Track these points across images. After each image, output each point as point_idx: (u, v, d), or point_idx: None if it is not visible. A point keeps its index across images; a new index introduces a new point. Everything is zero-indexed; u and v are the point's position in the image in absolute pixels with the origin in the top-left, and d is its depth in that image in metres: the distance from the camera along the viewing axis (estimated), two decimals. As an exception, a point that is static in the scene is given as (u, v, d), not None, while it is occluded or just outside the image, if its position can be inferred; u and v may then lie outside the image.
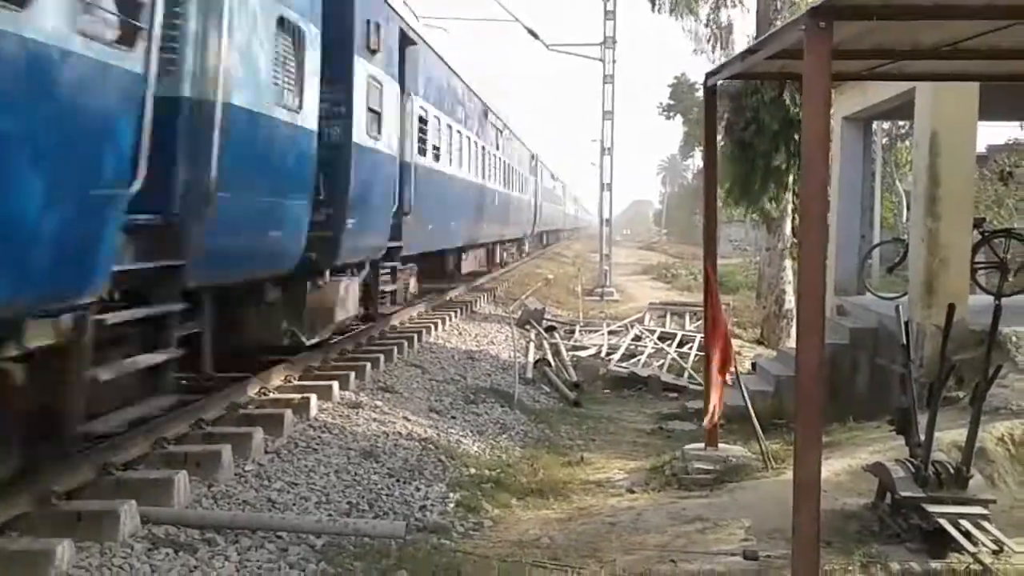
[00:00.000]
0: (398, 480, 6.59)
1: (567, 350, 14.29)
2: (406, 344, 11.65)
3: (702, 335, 10.73)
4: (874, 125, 15.35)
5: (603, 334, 16.20)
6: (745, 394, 7.98)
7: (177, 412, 6.53)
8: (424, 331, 13.08)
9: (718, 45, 19.42)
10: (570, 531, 5.84)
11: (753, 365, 11.58)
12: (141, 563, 4.44)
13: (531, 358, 13.06)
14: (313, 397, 7.85)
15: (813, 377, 4.14)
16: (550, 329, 16.43)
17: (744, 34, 19.20)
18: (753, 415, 7.76)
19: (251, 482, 5.93)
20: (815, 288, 4.22)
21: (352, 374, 9.12)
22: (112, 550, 4.49)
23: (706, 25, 19.34)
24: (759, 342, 16.40)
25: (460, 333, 14.61)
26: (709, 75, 7.40)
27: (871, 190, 15.73)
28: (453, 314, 15.79)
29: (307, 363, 9.23)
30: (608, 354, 14.31)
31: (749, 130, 15.03)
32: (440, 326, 14.23)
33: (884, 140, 26.95)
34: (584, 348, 14.96)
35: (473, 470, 7.25)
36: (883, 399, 8.55)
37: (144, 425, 5.97)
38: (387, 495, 6.23)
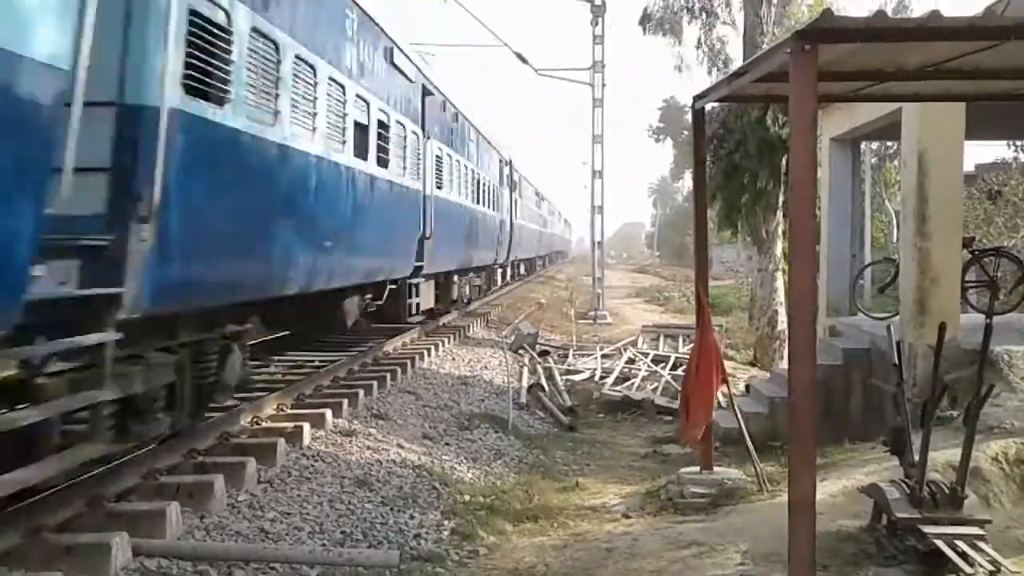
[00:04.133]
0: (392, 508, 6.55)
1: (561, 374, 14.27)
2: (399, 370, 11.62)
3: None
4: (862, 145, 15.46)
5: (597, 358, 16.18)
6: (739, 416, 7.96)
7: (169, 442, 6.50)
8: (417, 357, 13.05)
9: (712, 67, 19.58)
10: (566, 558, 5.79)
11: (747, 387, 11.57)
12: (132, 597, 4.40)
13: (525, 383, 13.03)
14: (306, 425, 7.80)
15: (806, 398, 4.14)
16: (543, 353, 16.42)
17: (734, 60, 19.39)
18: (747, 437, 7.74)
19: (244, 512, 5.88)
20: (807, 309, 4.23)
21: (345, 401, 9.09)
22: (103, 584, 4.45)
23: (697, 47, 19.52)
24: (752, 363, 16.40)
25: (453, 358, 14.58)
26: (696, 98, 7.45)
27: (861, 210, 15.81)
28: (446, 340, 15.76)
29: (299, 391, 9.20)
30: (602, 378, 14.30)
31: (737, 152, 15.15)
32: (433, 352, 14.20)
33: (872, 160, 27.13)
34: (578, 372, 14.94)
35: (468, 497, 7.20)
36: (877, 419, 8.52)
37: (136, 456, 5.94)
38: (381, 524, 6.18)
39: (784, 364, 12.70)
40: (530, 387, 12.81)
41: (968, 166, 15.12)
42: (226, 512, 5.82)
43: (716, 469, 7.39)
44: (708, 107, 8.92)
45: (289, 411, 8.49)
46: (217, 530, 5.50)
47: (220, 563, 4.92)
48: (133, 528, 4.97)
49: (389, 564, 5.19)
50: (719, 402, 8.72)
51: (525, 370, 14.18)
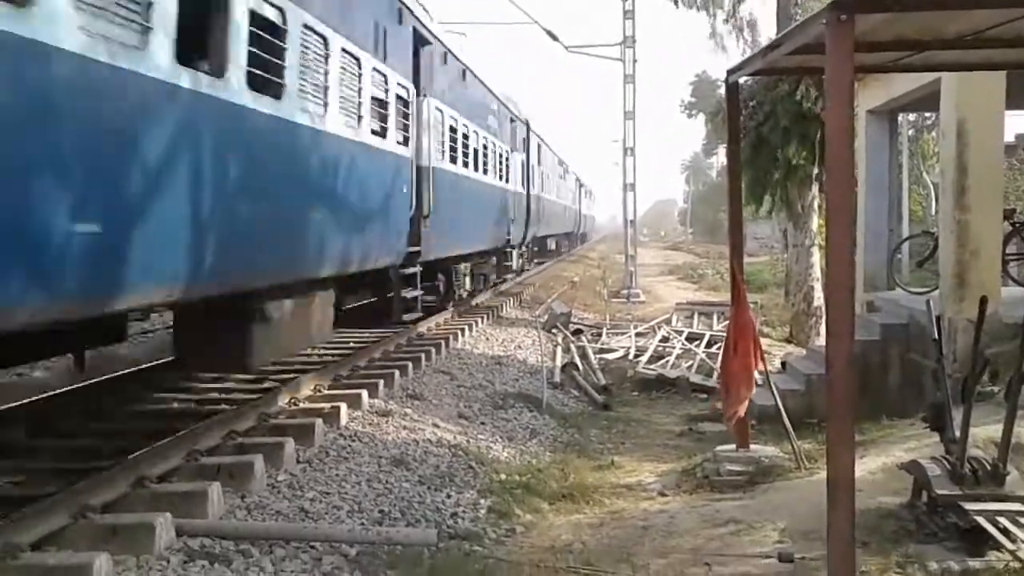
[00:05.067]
0: (429, 487, 6.60)
1: (594, 353, 14.27)
2: (433, 351, 11.67)
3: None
4: (899, 117, 15.20)
5: (630, 336, 16.15)
6: (776, 393, 7.92)
7: (209, 423, 6.59)
8: (451, 337, 13.11)
9: (740, 40, 19.28)
10: (602, 536, 5.81)
11: (783, 364, 11.48)
12: (177, 575, 4.47)
13: (558, 362, 13.04)
14: (343, 406, 7.87)
15: (844, 374, 4.10)
16: (577, 332, 16.41)
17: (767, 36, 19.10)
18: (784, 414, 7.70)
19: (284, 492, 5.96)
20: (844, 284, 4.18)
21: (381, 382, 9.15)
22: (148, 563, 4.52)
23: (726, 21, 19.21)
24: (788, 340, 16.28)
25: (487, 338, 14.62)
26: (730, 72, 7.36)
27: (898, 183, 15.60)
28: (480, 320, 15.80)
29: (336, 372, 9.28)
30: (636, 356, 14.28)
31: (766, 126, 14.96)
32: (467, 332, 14.24)
33: (910, 132, 26.66)
34: (611, 351, 14.93)
35: (503, 476, 7.24)
36: (916, 395, 8.45)
37: (178, 437, 6.04)
38: (418, 503, 6.23)
39: (821, 340, 12.58)
40: (564, 366, 12.82)
41: (1008, 136, 14.79)
42: (266, 492, 5.90)
43: (752, 447, 7.37)
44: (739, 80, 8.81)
45: (326, 392, 8.57)
46: (258, 509, 5.58)
47: (261, 542, 4.99)
48: (176, 508, 5.05)
49: (427, 542, 5.24)
50: (756, 380, 8.66)
51: (559, 349, 14.19)
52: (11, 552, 4.24)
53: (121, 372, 9.03)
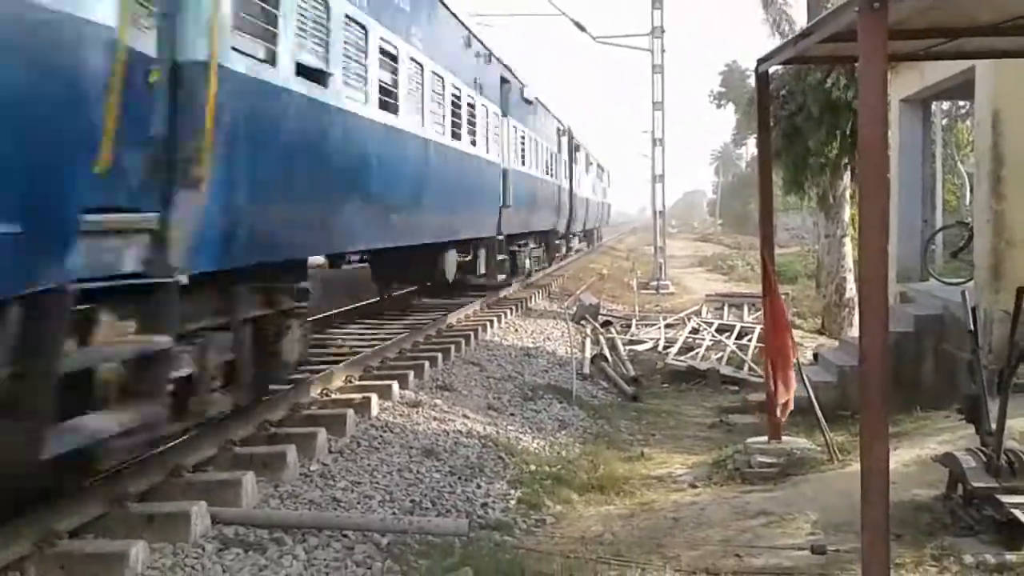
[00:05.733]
0: (459, 478, 6.63)
1: (624, 344, 14.24)
2: (463, 342, 11.71)
3: (761, 326, 10.60)
4: (933, 106, 14.99)
5: (660, 327, 16.10)
6: (808, 385, 7.86)
7: (243, 413, 6.67)
8: (480, 328, 13.14)
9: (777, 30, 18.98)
10: (633, 527, 5.81)
11: (815, 356, 11.40)
12: (212, 563, 4.53)
13: (588, 353, 13.03)
14: (374, 397, 7.93)
15: (878, 365, 4.06)
16: (606, 324, 16.39)
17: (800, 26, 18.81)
18: (816, 406, 7.64)
19: (316, 481, 6.02)
20: (878, 274, 4.14)
21: (411, 373, 9.21)
22: (184, 551, 4.59)
23: (765, 8, 18.93)
24: (820, 332, 16.14)
25: (516, 330, 14.64)
26: (760, 61, 7.29)
27: (932, 173, 15.38)
28: (508, 311, 15.82)
29: (367, 363, 9.35)
30: (665, 347, 14.23)
31: (799, 116, 14.80)
32: (496, 323, 14.27)
33: (943, 121, 26.29)
34: (641, 342, 14.89)
35: (533, 467, 7.26)
36: (950, 387, 8.35)
37: (212, 427, 6.12)
38: (449, 493, 6.27)
39: (853, 332, 12.47)
40: (593, 357, 12.81)
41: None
42: (299, 481, 5.96)
43: (784, 438, 7.32)
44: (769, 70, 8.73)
45: (357, 383, 8.63)
46: (291, 499, 5.64)
47: (294, 530, 5.04)
48: (211, 497, 5.12)
49: (458, 532, 5.27)
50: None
51: (588, 341, 14.18)
52: (49, 539, 4.32)
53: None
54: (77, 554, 4.34)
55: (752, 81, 11.07)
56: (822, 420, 7.49)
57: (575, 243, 34.18)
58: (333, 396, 8.05)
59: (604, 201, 46.17)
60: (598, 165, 41.96)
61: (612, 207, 58.43)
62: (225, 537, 4.84)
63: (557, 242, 27.09)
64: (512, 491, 6.52)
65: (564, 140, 26.67)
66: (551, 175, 24.23)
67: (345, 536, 5.08)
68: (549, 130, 23.92)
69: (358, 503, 5.79)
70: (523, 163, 19.17)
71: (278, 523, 5.10)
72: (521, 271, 20.40)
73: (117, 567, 4.25)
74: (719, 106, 56.84)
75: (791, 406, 7.18)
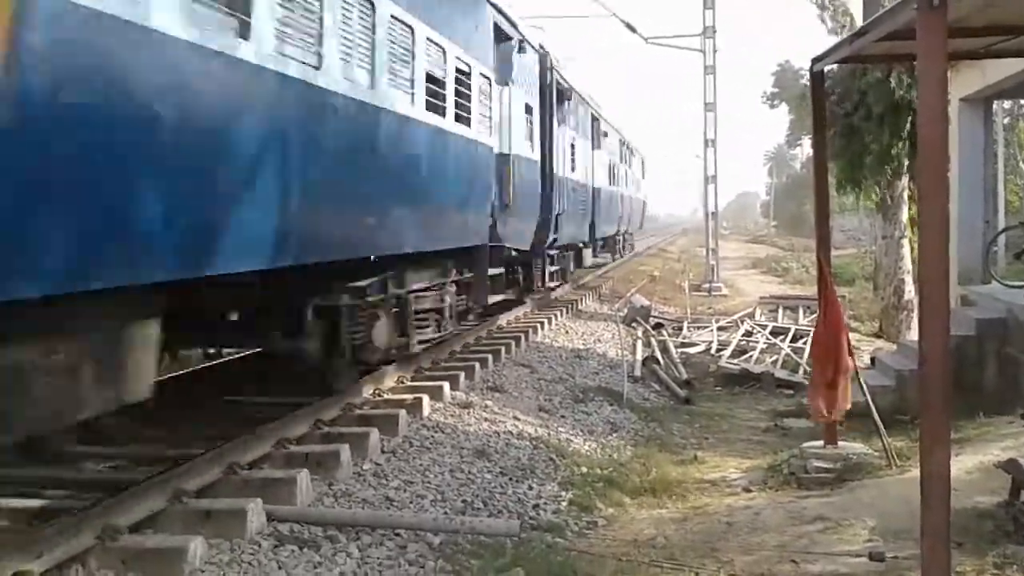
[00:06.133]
0: (511, 479, 6.63)
1: (675, 347, 14.13)
2: (513, 344, 11.73)
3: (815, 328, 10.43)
4: (994, 105, 14.61)
5: (712, 330, 15.94)
6: (865, 389, 7.71)
7: (297, 413, 6.76)
8: (530, 330, 13.14)
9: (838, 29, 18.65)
10: (686, 530, 5.76)
11: (872, 360, 11.17)
12: (268, 559, 4.60)
13: (639, 356, 12.95)
14: (425, 397, 7.98)
15: (939, 367, 3.97)
16: (657, 326, 16.27)
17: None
18: (874, 411, 7.50)
19: (369, 480, 6.07)
20: (938, 275, 4.05)
21: (462, 374, 9.25)
22: (240, 547, 4.67)
23: (821, 8, 18.62)
24: (877, 335, 15.83)
25: (566, 332, 14.61)
26: (815, 60, 7.19)
27: (994, 173, 14.99)
28: (558, 313, 15.81)
29: (418, 364, 9.40)
30: (718, 350, 14.08)
31: (856, 115, 14.53)
32: (546, 325, 14.27)
33: (1005, 120, 25.62)
34: (693, 345, 14.75)
35: (585, 469, 7.23)
36: (1014, 392, 8.15)
37: (267, 426, 6.22)
38: (500, 494, 6.28)
39: (912, 335, 12.22)
40: (644, 360, 12.73)
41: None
42: (352, 480, 6.02)
43: (840, 443, 7.20)
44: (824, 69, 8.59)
45: (409, 383, 8.70)
46: (344, 497, 5.70)
47: (348, 528, 5.10)
48: (266, 495, 5.20)
49: (510, 533, 5.28)
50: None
51: (639, 343, 14.09)
52: (111, 534, 4.43)
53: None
54: (137, 548, 4.44)
55: (805, 81, 10.92)
56: (880, 425, 7.35)
57: (583, 259, 21.57)
58: (385, 396, 8.12)
59: (636, 196, 31.82)
60: (625, 144, 28.87)
61: (648, 205, 42.34)
62: (280, 534, 4.91)
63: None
64: (563, 493, 6.51)
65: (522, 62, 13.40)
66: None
67: (398, 535, 5.12)
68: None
69: (410, 502, 5.83)
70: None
71: (332, 521, 5.16)
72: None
73: (176, 562, 4.34)
74: (772, 106, 56.10)
75: (844, 407, 7.05)
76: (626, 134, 30.26)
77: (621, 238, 29.28)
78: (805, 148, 59.82)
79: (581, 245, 20.62)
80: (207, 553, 4.50)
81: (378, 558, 4.82)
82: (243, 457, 5.73)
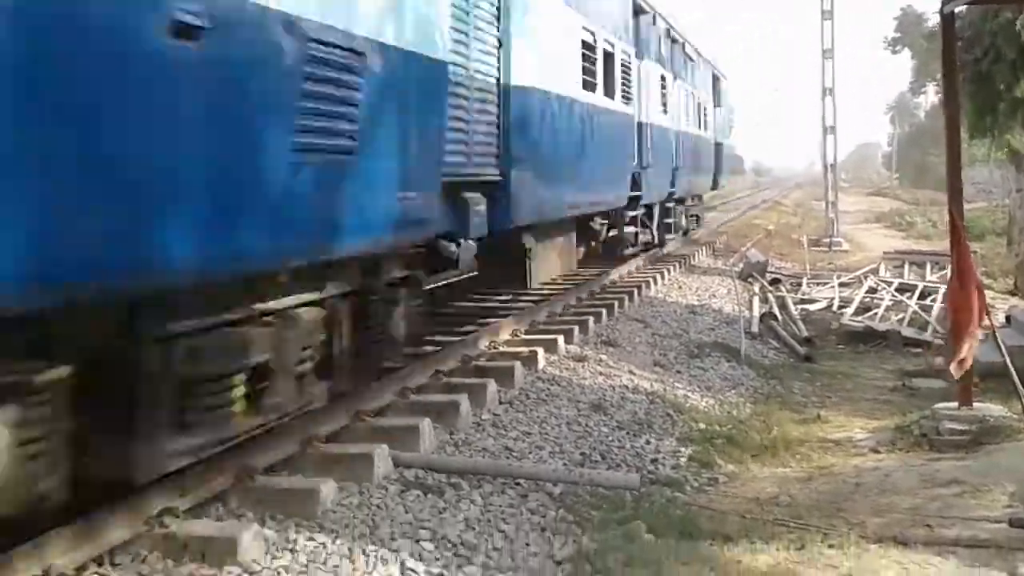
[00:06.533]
0: (628, 433, 6.61)
1: (794, 304, 13.74)
2: (626, 298, 11.62)
3: (947, 286, 9.95)
4: None
5: (833, 287, 15.43)
6: (1003, 349, 7.32)
7: (417, 363, 6.88)
8: (643, 285, 13.00)
9: None
10: (811, 490, 5.63)
11: (1007, 318, 10.61)
12: (396, 503, 4.70)
13: (756, 312, 12.65)
14: (540, 350, 7.99)
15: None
16: (774, 282, 15.86)
17: None
18: (1012, 371, 7.11)
19: (488, 431, 6.14)
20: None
21: (576, 328, 9.22)
22: (368, 490, 4.78)
23: None
24: (1012, 293, 15.04)
25: (680, 287, 14.40)
26: (945, 2, 6.76)
27: None
28: (671, 268, 15.58)
29: (532, 318, 9.42)
30: (840, 307, 13.63)
31: (986, 60, 13.62)
32: (659, 280, 14.09)
33: None
34: (813, 301, 14.34)
35: (703, 425, 7.14)
36: None
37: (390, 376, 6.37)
38: (618, 447, 6.27)
39: (1052, 293, 11.52)
40: (762, 316, 12.42)
41: None
42: (472, 429, 6.10)
43: (976, 405, 6.87)
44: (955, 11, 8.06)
45: (523, 336, 8.73)
46: (465, 446, 5.78)
47: (470, 476, 5.16)
48: (391, 441, 5.30)
49: (630, 486, 5.26)
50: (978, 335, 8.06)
51: (756, 299, 13.76)
52: (248, 474, 4.61)
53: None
54: (273, 488, 4.60)
55: (931, 24, 10.27)
56: (1019, 386, 6.96)
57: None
58: (500, 349, 8.17)
59: (711, 138, 23.01)
60: (691, 52, 19.56)
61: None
62: (406, 479, 5.01)
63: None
64: (682, 448, 6.45)
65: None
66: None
67: (519, 484, 5.16)
68: None
69: (529, 453, 5.88)
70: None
71: (455, 468, 5.24)
72: None
73: (310, 503, 4.48)
74: (894, 52, 53.48)
75: (967, 366, 6.70)
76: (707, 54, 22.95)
77: (679, 203, 19.67)
78: (930, 96, 56.78)
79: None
80: (338, 496, 4.64)
81: (500, 506, 4.87)
82: (367, 405, 5.87)
